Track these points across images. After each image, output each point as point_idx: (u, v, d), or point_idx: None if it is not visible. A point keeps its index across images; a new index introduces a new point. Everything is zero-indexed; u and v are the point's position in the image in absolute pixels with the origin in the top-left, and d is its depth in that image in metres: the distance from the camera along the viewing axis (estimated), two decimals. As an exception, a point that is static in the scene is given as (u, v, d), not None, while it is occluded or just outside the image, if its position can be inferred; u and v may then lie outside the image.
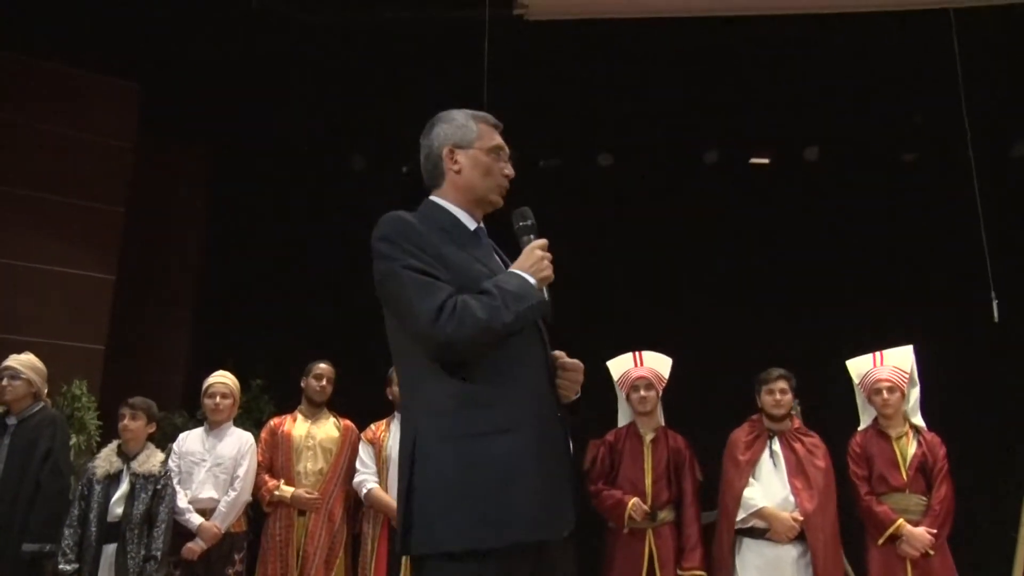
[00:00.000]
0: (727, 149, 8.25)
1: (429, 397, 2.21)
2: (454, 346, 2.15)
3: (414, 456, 2.19)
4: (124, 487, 4.92)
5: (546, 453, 2.20)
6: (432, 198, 2.47)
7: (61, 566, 4.78)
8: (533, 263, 2.29)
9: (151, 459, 5.03)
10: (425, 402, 2.22)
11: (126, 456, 5.01)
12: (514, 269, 2.30)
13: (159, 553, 4.83)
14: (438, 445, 2.16)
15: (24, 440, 5.04)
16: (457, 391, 2.18)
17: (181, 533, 5.04)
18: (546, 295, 2.30)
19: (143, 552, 4.80)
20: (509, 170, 2.47)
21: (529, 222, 2.40)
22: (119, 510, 4.86)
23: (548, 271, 2.30)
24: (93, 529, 4.82)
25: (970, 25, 6.09)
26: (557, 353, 2.42)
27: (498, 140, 2.48)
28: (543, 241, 2.35)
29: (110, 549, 4.80)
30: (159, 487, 4.95)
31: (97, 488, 4.90)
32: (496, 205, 2.47)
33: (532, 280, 2.26)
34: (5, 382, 5.12)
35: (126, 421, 5.05)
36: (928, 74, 6.67)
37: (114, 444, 5.12)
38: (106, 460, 4.99)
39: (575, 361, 2.41)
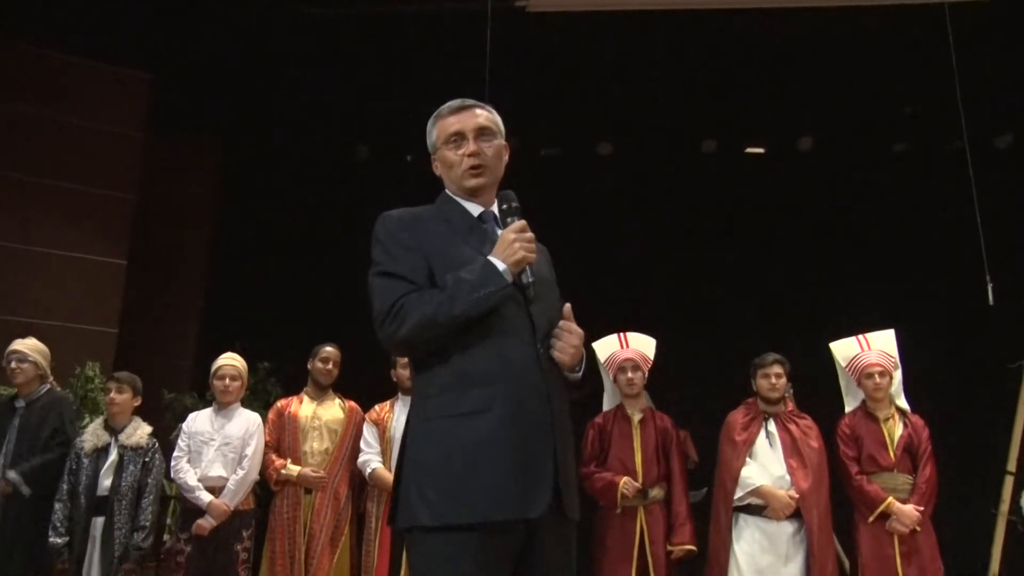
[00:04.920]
0: (724, 138, 8.37)
1: (421, 381, 2.32)
2: (399, 344, 2.27)
3: (405, 437, 2.32)
4: (112, 459, 5.00)
5: (521, 433, 2.20)
6: (445, 191, 2.51)
7: (51, 539, 4.86)
8: (505, 247, 2.28)
9: (138, 431, 5.11)
10: (420, 386, 2.33)
11: (113, 430, 5.09)
12: (491, 256, 2.29)
13: (147, 524, 4.94)
14: (420, 426, 2.26)
15: (33, 422, 5.17)
16: (441, 375, 2.25)
17: (191, 510, 5.14)
18: (529, 274, 2.29)
19: (131, 523, 4.90)
20: (465, 148, 2.43)
21: (509, 205, 2.38)
22: (107, 482, 4.94)
23: (520, 254, 2.26)
24: (82, 502, 4.91)
25: (963, 18, 6.19)
26: (567, 312, 2.39)
27: (453, 127, 2.44)
28: (519, 223, 2.33)
29: (99, 522, 4.89)
30: (147, 459, 5.04)
31: (85, 462, 4.98)
32: (477, 187, 2.44)
33: (501, 265, 2.25)
34: (14, 365, 5.23)
35: (112, 395, 5.13)
36: (920, 66, 6.78)
37: (100, 419, 5.20)
38: (93, 434, 5.06)
39: (571, 325, 2.37)
